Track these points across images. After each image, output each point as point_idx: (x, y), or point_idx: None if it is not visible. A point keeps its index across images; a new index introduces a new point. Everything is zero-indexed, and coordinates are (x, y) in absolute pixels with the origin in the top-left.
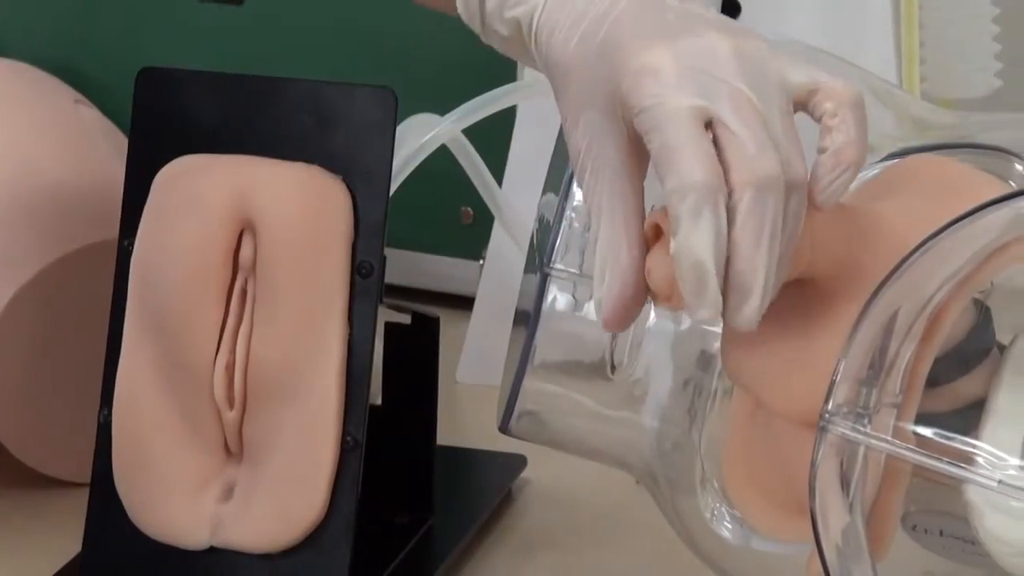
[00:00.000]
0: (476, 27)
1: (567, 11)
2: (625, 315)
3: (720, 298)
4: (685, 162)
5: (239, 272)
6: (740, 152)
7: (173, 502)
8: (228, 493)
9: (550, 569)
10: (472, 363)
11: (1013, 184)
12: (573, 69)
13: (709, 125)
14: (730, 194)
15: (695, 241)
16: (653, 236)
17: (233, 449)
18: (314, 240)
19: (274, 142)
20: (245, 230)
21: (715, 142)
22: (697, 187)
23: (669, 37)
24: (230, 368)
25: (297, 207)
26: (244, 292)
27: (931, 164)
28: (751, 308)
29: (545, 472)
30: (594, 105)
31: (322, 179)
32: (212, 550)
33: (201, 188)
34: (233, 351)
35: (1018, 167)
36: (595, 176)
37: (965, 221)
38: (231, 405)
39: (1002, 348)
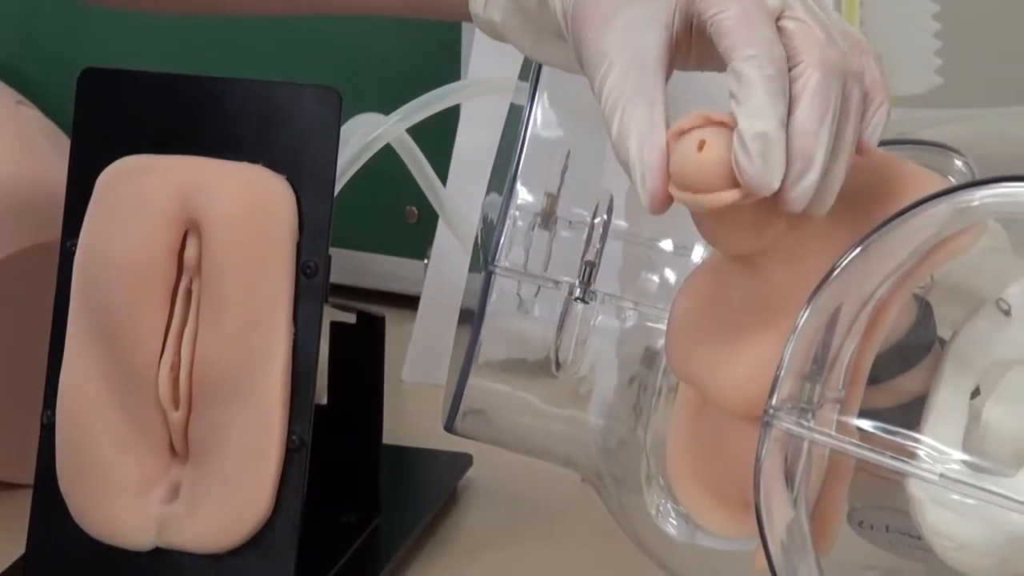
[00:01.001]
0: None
1: None
2: (667, 196)
3: (783, 166)
4: (766, 37)
5: (184, 273)
6: (811, 37)
7: (118, 503)
8: (174, 494)
9: (496, 568)
10: (418, 362)
11: (953, 180)
12: None
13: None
14: (796, 77)
15: (771, 108)
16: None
17: (179, 450)
18: (259, 240)
19: (218, 142)
20: (189, 230)
21: (781, 31)
22: (777, 60)
23: None
24: (175, 369)
25: (241, 207)
26: (189, 293)
27: (874, 160)
28: (810, 181)
29: (491, 471)
30: (638, 3)
31: (266, 179)
32: (157, 551)
33: (145, 189)
34: (178, 352)
35: (958, 163)
36: (624, 73)
37: (906, 216)
38: (176, 406)
39: (943, 343)
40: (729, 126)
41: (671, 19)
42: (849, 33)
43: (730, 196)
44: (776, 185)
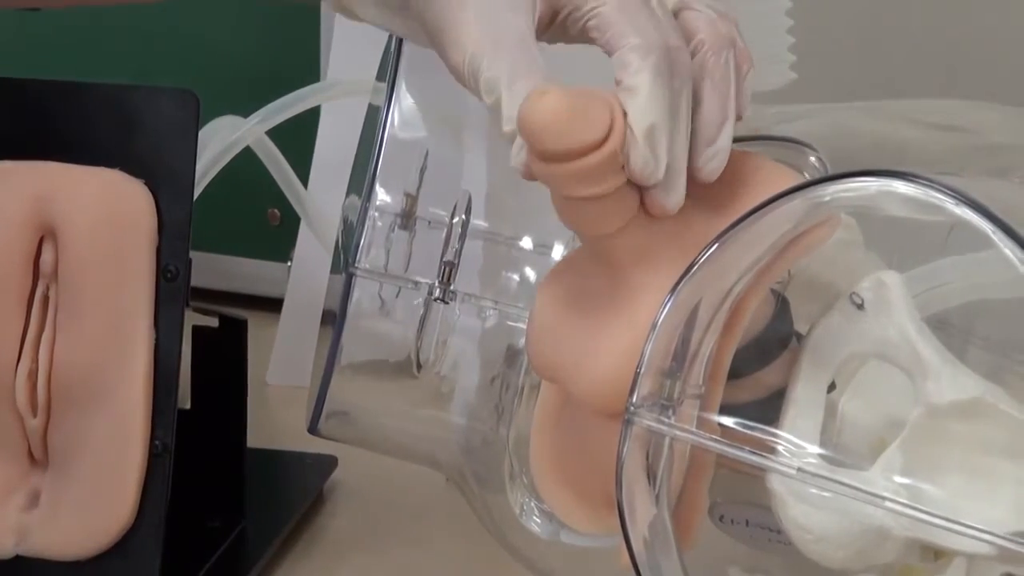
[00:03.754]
0: None
1: None
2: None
3: (666, 157)
4: (646, 23)
5: (40, 279)
6: (702, 16)
7: None
8: (34, 501)
9: (362, 570)
10: (282, 365)
11: (807, 175)
12: None
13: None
14: (693, 54)
15: (659, 99)
16: None
17: (38, 457)
18: (117, 245)
19: (74, 147)
20: (45, 236)
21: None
22: (659, 47)
23: None
24: (33, 375)
25: (98, 212)
26: (46, 299)
27: (730, 156)
28: (719, 158)
29: (356, 472)
30: None
31: (124, 183)
32: (18, 559)
33: None
34: (36, 358)
35: (811, 158)
36: (497, 47)
37: (762, 212)
38: (35, 412)
39: (800, 338)
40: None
41: (533, 4)
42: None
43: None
44: (662, 175)
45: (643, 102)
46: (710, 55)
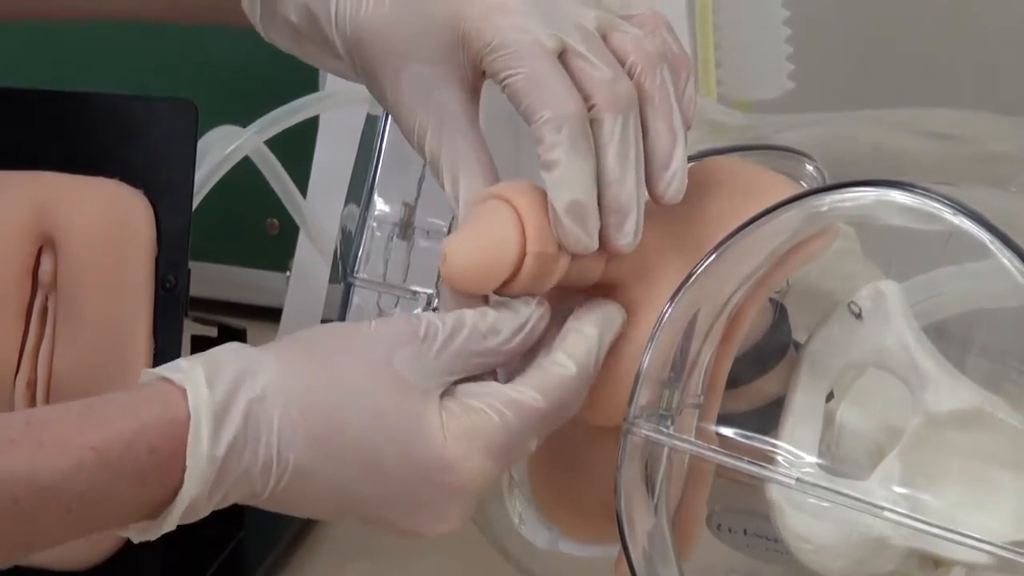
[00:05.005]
0: (257, 21)
1: None
2: None
3: (598, 224)
4: (557, 93)
5: (39, 289)
6: (599, 78)
7: None
8: None
9: None
10: None
11: (804, 184)
12: (389, 28)
13: (561, 56)
14: (593, 121)
15: (577, 172)
16: None
17: None
18: (116, 255)
19: (73, 157)
20: (44, 246)
21: (570, 74)
22: (572, 117)
23: None
24: (32, 385)
25: (98, 222)
26: (45, 309)
27: (726, 166)
28: (632, 224)
29: None
30: (420, 58)
31: (123, 193)
32: (18, 569)
33: None
34: (34, 369)
35: (809, 167)
36: (438, 133)
37: (759, 222)
38: None
39: (798, 347)
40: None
41: (464, 75)
42: (635, 17)
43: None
44: (596, 245)
45: (560, 178)
46: (645, 79)
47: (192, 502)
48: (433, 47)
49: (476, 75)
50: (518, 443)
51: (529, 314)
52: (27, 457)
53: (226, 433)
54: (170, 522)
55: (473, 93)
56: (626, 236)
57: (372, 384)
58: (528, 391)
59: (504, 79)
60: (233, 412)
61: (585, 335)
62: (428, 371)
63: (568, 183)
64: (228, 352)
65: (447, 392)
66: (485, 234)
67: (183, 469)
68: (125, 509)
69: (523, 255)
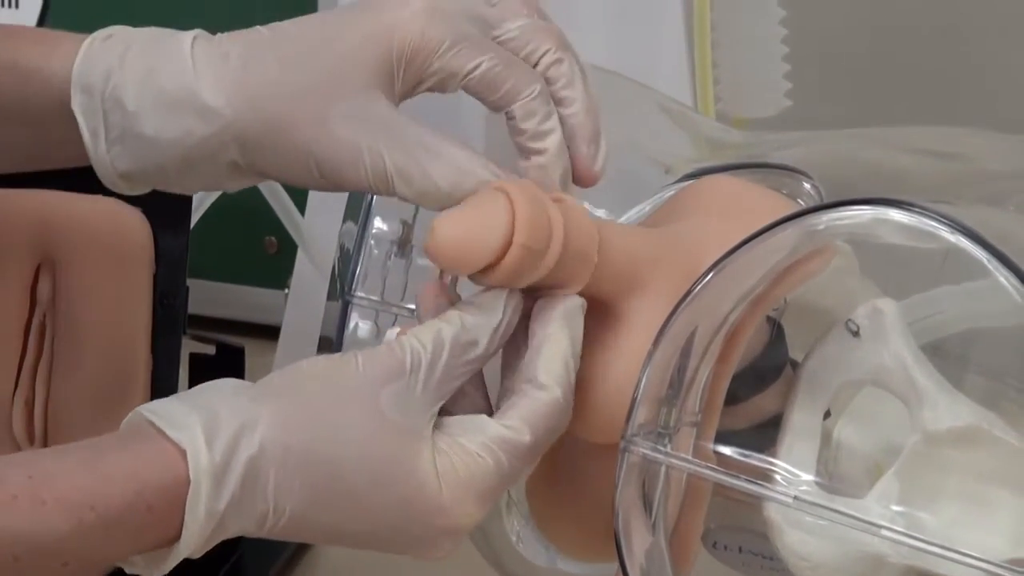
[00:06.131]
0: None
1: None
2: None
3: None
4: (528, 69)
5: (37, 307)
6: (533, 39)
7: None
8: None
9: None
10: None
11: (802, 202)
12: (297, 81)
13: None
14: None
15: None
16: None
17: None
18: (114, 273)
19: (71, 175)
20: (43, 264)
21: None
22: (546, 88)
23: None
24: (30, 404)
25: (96, 240)
26: (43, 327)
27: (723, 184)
28: (604, 151)
29: None
30: (350, 88)
31: (121, 211)
32: None
33: None
34: (32, 387)
35: (806, 185)
36: (394, 143)
37: (757, 240)
38: (32, 441)
39: (795, 365)
40: None
41: (396, 87)
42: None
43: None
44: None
45: (578, 126)
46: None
47: (188, 551)
48: (362, 73)
49: (412, 84)
50: (511, 481)
51: (502, 315)
52: (28, 516)
53: (226, 492)
54: (163, 568)
55: (400, 99)
56: (599, 163)
57: (364, 434)
58: (518, 424)
59: (472, 70)
60: (232, 471)
61: (560, 346)
62: (416, 408)
63: (583, 130)
64: (225, 402)
65: (437, 425)
66: (476, 216)
67: (181, 523)
68: (119, 559)
69: (508, 245)
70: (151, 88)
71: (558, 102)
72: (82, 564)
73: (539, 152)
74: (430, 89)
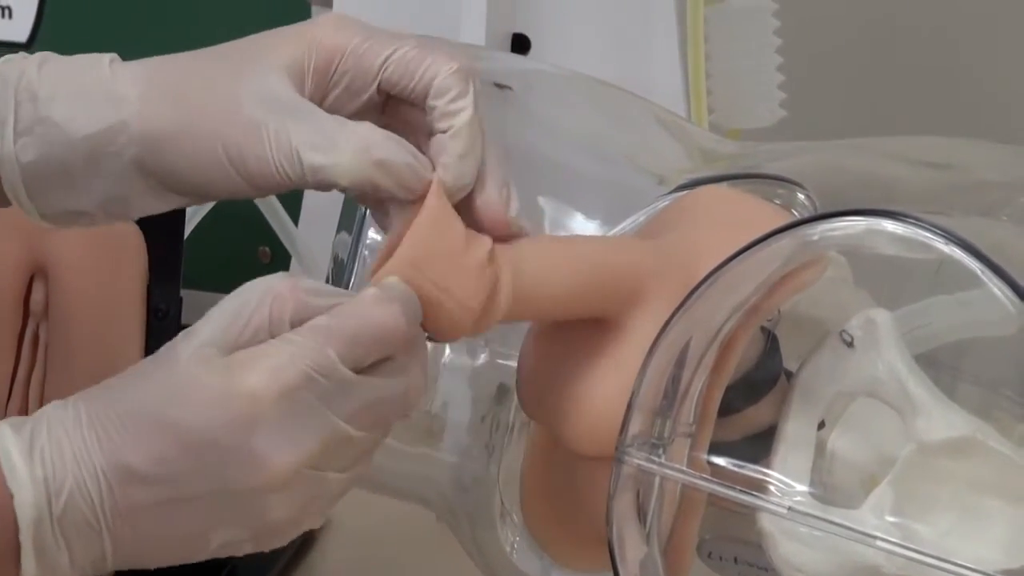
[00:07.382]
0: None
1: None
2: None
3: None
4: (447, 50)
5: (30, 318)
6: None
7: None
8: None
9: None
10: None
11: (796, 213)
12: (202, 108)
13: None
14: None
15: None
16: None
17: None
18: (108, 284)
19: None
20: (36, 275)
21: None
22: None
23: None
24: (23, 415)
25: (89, 251)
26: (36, 337)
27: (718, 195)
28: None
29: (346, 510)
30: (263, 72)
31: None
32: None
33: None
34: (26, 397)
35: (800, 196)
36: (301, 114)
37: (751, 251)
38: None
39: (789, 375)
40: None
41: (304, 85)
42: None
43: None
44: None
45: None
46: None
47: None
48: (274, 61)
49: (324, 84)
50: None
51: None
52: None
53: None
54: None
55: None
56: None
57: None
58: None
59: (391, 55)
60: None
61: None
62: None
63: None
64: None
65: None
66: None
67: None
68: None
69: (468, 307)
70: (66, 81)
71: (447, 115)
72: None
73: (444, 131)
74: (347, 92)
